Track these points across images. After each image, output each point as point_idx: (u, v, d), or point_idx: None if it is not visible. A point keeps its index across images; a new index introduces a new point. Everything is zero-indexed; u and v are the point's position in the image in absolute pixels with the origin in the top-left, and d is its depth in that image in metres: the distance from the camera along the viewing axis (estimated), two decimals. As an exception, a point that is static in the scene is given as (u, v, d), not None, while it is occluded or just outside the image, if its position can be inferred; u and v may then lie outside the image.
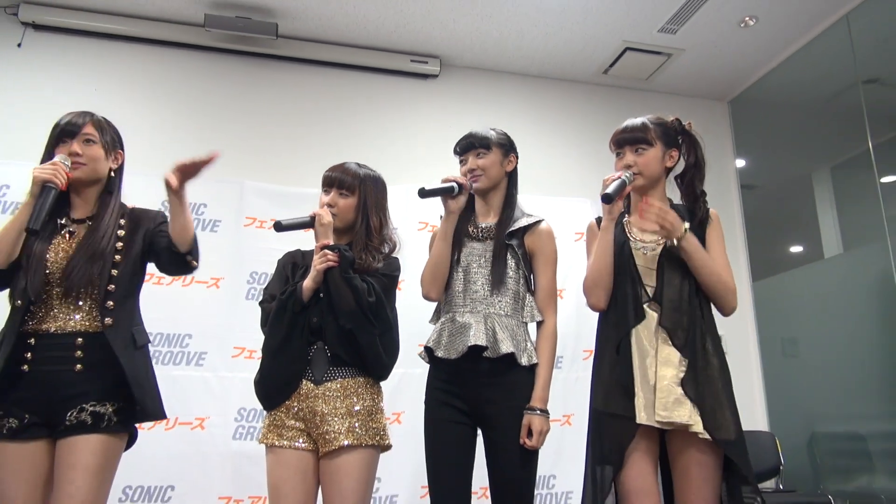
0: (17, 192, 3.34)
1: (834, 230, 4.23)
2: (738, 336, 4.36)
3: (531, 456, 1.99)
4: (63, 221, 1.95)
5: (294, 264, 2.14)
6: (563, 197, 3.99)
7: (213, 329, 3.33)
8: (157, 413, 1.96)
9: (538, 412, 1.97)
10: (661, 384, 1.84)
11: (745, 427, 1.90)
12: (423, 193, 2.08)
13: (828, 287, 4.13)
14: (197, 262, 1.99)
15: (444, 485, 1.99)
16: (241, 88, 4.16)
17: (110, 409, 1.84)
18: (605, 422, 1.90)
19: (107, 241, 1.92)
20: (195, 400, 3.19)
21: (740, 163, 4.82)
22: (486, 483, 2.02)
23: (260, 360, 2.05)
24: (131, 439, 1.94)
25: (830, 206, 4.31)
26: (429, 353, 2.10)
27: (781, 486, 3.95)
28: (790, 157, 4.80)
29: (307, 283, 1.99)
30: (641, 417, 1.83)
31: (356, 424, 1.94)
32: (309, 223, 2.02)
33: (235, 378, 3.25)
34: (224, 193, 3.58)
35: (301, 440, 1.96)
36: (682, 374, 1.84)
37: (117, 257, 1.93)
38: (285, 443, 1.95)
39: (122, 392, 1.85)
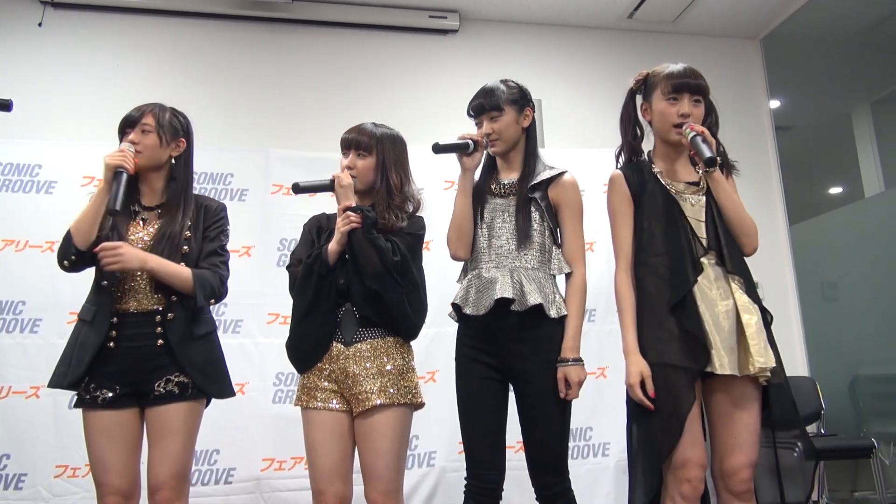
0: (49, 171, 3.39)
1: (875, 168, 4.09)
2: (776, 281, 4.27)
3: (564, 408, 1.98)
4: (136, 208, 2.08)
5: (319, 227, 2.15)
6: (592, 148, 3.90)
7: (248, 297, 3.37)
8: (219, 394, 2.11)
9: (571, 362, 1.96)
10: (750, 331, 1.82)
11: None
12: (438, 149, 2.06)
13: (869, 227, 4.00)
14: (208, 303, 2.07)
15: (478, 441, 2.00)
16: (259, 56, 4.14)
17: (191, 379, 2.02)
18: (669, 375, 1.82)
19: (179, 230, 2.04)
20: (234, 366, 3.15)
21: (774, 103, 4.65)
22: (521, 437, 2.02)
23: (290, 325, 2.08)
24: (208, 401, 2.12)
25: (871, 144, 4.16)
26: (457, 310, 2.10)
27: (823, 431, 3.91)
28: (828, 95, 4.62)
29: (332, 246, 2.00)
30: (724, 367, 1.79)
31: (388, 384, 1.96)
32: (329, 186, 2.03)
33: (272, 344, 3.29)
34: (250, 162, 3.58)
35: (335, 401, 1.99)
36: (758, 320, 1.85)
37: (185, 248, 2.03)
38: (319, 404, 1.99)
39: None
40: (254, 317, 3.38)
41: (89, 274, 2.09)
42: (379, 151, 2.09)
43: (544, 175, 2.09)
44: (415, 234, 2.08)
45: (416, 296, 2.05)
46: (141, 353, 1.97)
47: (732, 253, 1.91)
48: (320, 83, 4.16)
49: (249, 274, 3.41)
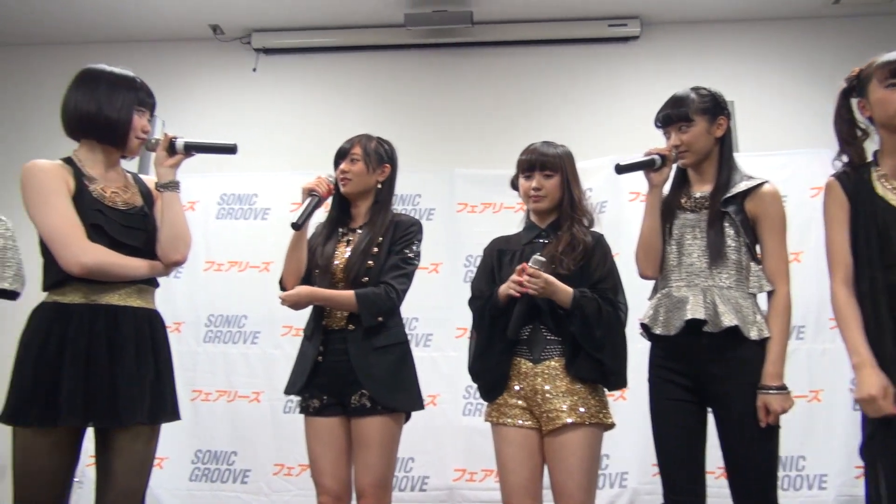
0: (265, 199, 3.80)
1: None
2: None
3: (770, 434, 1.84)
4: (343, 230, 2.26)
5: (500, 251, 2.16)
6: (795, 150, 3.58)
7: (437, 312, 3.51)
8: (400, 407, 2.14)
9: (773, 390, 1.82)
10: None
11: None
12: (620, 169, 2.03)
13: None
14: (377, 320, 2.12)
15: (675, 465, 1.91)
16: (441, 80, 4.33)
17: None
18: None
19: (368, 243, 2.17)
20: (425, 379, 3.34)
21: None
22: (722, 463, 1.91)
23: (471, 354, 2.14)
24: (408, 415, 2.20)
25: None
26: (646, 329, 2.03)
27: None
28: None
29: (503, 290, 1.99)
30: None
31: (578, 402, 1.94)
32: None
33: (461, 357, 3.34)
34: (436, 183, 3.74)
35: (524, 418, 1.99)
36: None
37: (370, 262, 2.16)
38: (509, 421, 2.00)
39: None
40: (443, 331, 3.51)
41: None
42: (562, 168, 2.10)
43: (741, 187, 1.96)
44: (615, 271, 2.06)
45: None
46: (340, 368, 2.12)
47: None
48: (501, 101, 4.25)
49: (438, 290, 3.55)
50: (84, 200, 1.79)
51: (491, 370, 2.05)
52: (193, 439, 3.50)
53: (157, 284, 1.96)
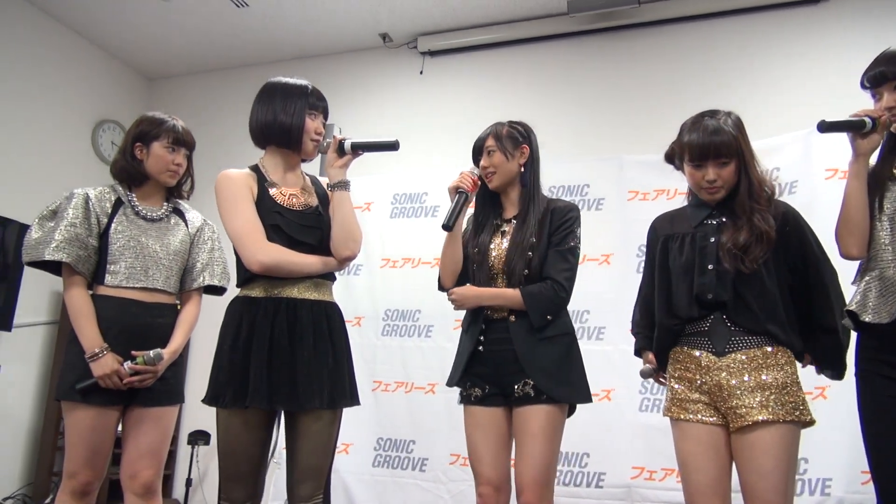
0: (434, 197, 3.92)
1: None
2: None
3: None
4: (497, 222, 2.25)
5: (667, 238, 1.99)
6: None
7: (608, 304, 3.40)
8: (567, 399, 2.09)
9: None
10: None
11: None
12: (825, 126, 1.80)
13: None
14: (546, 320, 2.10)
15: (895, 473, 1.67)
16: (607, 65, 4.19)
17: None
18: None
19: (526, 236, 2.13)
20: (599, 372, 3.28)
21: None
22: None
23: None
24: (572, 408, 2.15)
25: None
26: (853, 317, 1.80)
27: None
28: None
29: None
30: None
31: (770, 398, 1.75)
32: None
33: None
34: (604, 171, 3.63)
35: (708, 414, 1.83)
36: None
37: (529, 253, 2.12)
38: (691, 416, 1.85)
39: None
40: (615, 324, 3.39)
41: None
42: (738, 151, 1.85)
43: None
44: (821, 252, 1.88)
45: None
46: (503, 357, 2.10)
47: None
48: (671, 82, 4.02)
49: (609, 281, 3.44)
50: (265, 204, 1.95)
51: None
52: (376, 427, 3.70)
53: (333, 278, 2.07)
